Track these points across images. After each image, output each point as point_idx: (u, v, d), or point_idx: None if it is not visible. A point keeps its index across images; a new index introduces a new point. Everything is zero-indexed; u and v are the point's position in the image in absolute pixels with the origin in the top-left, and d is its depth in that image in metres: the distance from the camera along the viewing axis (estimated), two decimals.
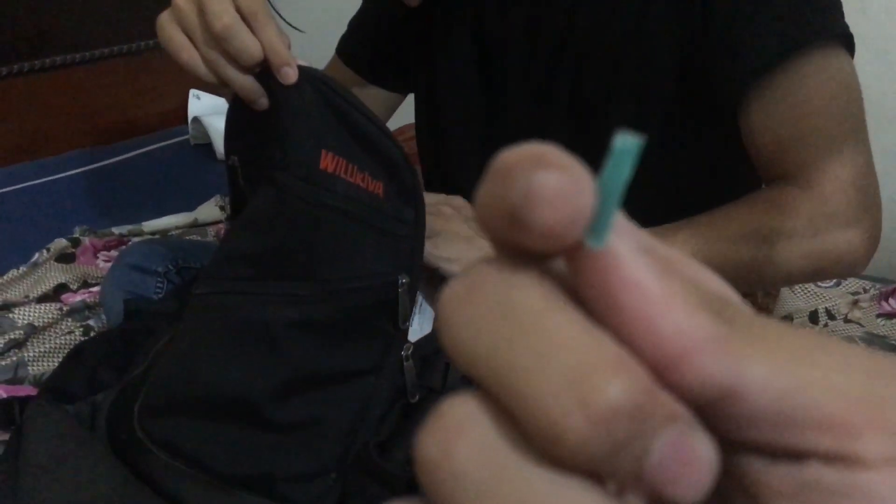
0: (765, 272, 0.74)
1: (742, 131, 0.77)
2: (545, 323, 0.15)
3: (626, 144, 0.15)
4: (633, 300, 0.15)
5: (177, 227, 1.43)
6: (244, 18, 0.64)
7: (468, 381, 0.57)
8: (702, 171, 0.85)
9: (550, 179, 0.14)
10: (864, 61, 1.38)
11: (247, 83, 0.66)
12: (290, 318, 0.67)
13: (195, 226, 1.45)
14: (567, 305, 0.15)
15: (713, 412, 0.15)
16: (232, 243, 0.72)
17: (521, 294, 0.15)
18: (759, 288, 0.98)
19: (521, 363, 0.14)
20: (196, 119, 1.83)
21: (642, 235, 0.16)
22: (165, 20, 0.67)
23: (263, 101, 0.68)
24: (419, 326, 0.78)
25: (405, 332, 0.71)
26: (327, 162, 0.67)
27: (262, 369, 0.67)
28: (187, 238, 1.37)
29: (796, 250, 0.73)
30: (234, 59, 0.65)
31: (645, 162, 0.64)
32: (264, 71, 0.67)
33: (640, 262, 0.15)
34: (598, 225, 0.15)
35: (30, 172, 1.59)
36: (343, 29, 1.04)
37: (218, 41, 0.64)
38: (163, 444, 0.69)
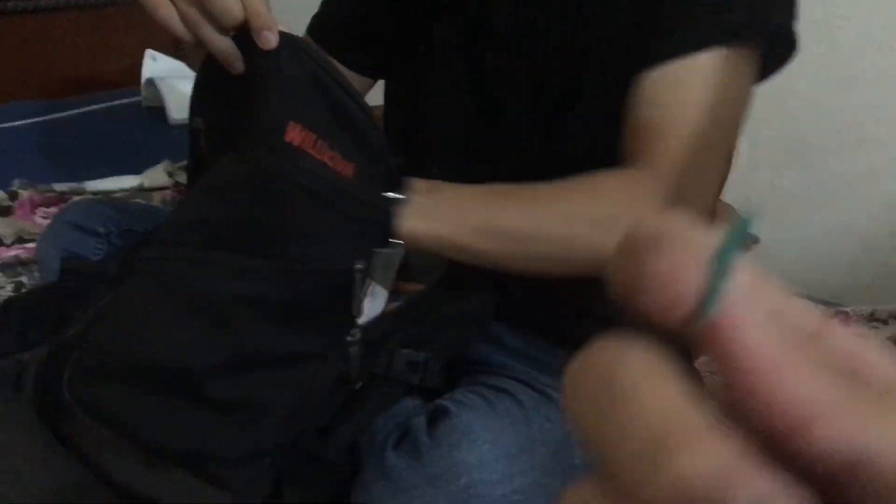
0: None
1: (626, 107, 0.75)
2: (638, 392, 0.15)
3: (745, 222, 0.16)
4: (752, 366, 0.15)
5: (122, 190, 1.39)
6: None
7: (412, 370, 0.55)
8: None
9: (660, 264, 0.15)
10: (831, 89, 1.42)
11: (224, 44, 0.64)
12: (241, 293, 0.65)
13: (141, 190, 1.41)
14: (667, 375, 0.15)
15: (840, 481, 0.14)
16: (188, 209, 0.69)
17: (623, 365, 0.16)
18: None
19: (613, 431, 0.15)
20: (150, 81, 1.78)
21: (771, 293, 0.16)
22: None
23: (239, 65, 0.65)
24: (368, 310, 0.75)
25: (355, 319, 0.69)
26: (294, 135, 0.65)
27: (205, 342, 0.65)
28: (133, 201, 1.32)
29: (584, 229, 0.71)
30: (213, 19, 0.62)
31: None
32: (242, 33, 0.64)
33: (760, 326, 0.15)
34: (711, 295, 0.15)
35: None
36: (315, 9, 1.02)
37: (199, 0, 0.61)
38: (92, 409, 0.65)
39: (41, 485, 0.66)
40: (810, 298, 1.27)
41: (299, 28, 1.00)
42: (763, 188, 1.53)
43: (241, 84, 0.66)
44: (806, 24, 1.40)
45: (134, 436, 0.65)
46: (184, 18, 0.63)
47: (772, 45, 0.74)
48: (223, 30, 0.63)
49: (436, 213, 0.66)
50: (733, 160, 0.95)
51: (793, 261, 1.52)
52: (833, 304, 1.28)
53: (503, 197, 0.70)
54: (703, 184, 0.75)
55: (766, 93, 1.45)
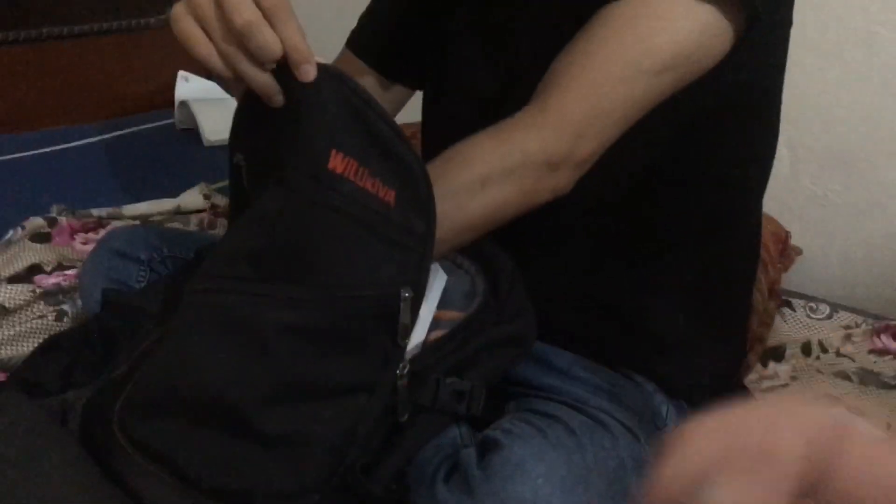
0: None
1: None
2: None
3: None
4: None
5: (159, 214, 1.39)
6: (264, 13, 0.61)
7: (459, 399, 0.54)
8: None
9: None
10: (872, 97, 1.39)
11: (264, 80, 0.63)
12: (285, 322, 0.64)
13: (178, 213, 1.41)
14: None
15: None
16: (233, 241, 0.68)
17: None
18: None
19: None
20: (183, 103, 1.79)
21: None
22: (180, 12, 0.63)
23: (279, 98, 0.64)
24: (411, 338, 0.74)
25: (403, 349, 0.68)
26: (336, 162, 0.64)
27: (251, 374, 0.64)
28: (172, 226, 1.33)
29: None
30: (252, 55, 0.61)
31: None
32: (280, 66, 0.63)
33: None
34: None
35: (8, 146, 1.54)
36: (344, 23, 1.02)
37: (237, 37, 0.61)
38: (141, 446, 0.65)
39: None
40: (855, 311, 1.24)
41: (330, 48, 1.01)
42: (806, 198, 1.50)
43: (280, 116, 0.65)
44: (846, 31, 1.39)
45: (182, 472, 0.64)
46: (223, 55, 0.62)
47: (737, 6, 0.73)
48: (262, 65, 0.63)
49: None
50: (772, 168, 0.93)
51: (838, 272, 1.49)
52: (880, 316, 1.25)
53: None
54: (599, 125, 0.74)
55: (808, 102, 1.45)
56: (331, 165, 0.64)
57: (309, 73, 0.62)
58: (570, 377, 0.83)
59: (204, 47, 0.62)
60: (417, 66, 0.97)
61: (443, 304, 0.77)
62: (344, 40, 1.02)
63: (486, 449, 0.67)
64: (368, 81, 0.98)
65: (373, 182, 0.65)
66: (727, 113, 0.80)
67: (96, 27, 1.78)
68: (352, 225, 0.64)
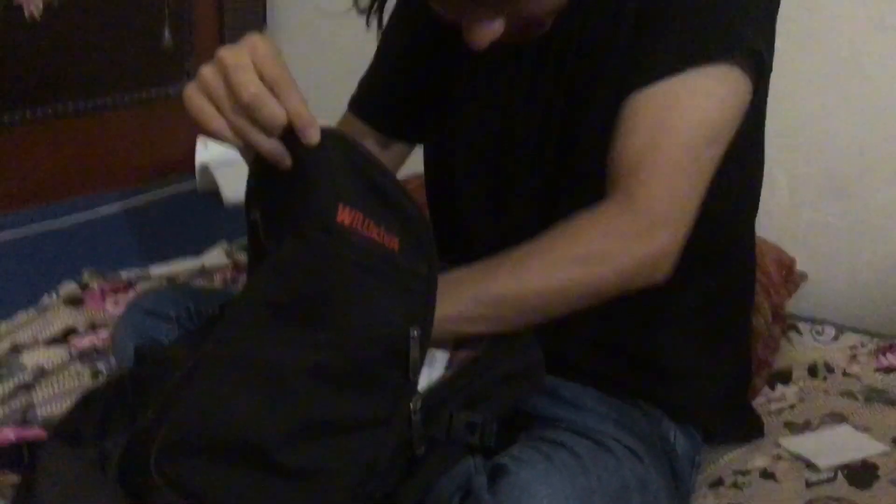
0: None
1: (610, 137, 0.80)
2: None
3: None
4: None
5: (184, 272, 1.45)
6: (268, 85, 0.67)
7: (471, 431, 0.59)
8: None
9: None
10: (866, 123, 1.44)
11: (272, 146, 0.69)
12: (304, 364, 0.69)
13: (202, 271, 1.47)
14: None
15: None
16: (254, 290, 0.74)
17: None
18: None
19: None
20: (204, 166, 1.86)
21: None
22: (192, 91, 0.69)
23: (287, 162, 0.70)
24: (427, 376, 0.79)
25: (414, 384, 0.73)
26: (344, 216, 0.70)
27: (274, 413, 0.68)
28: (196, 283, 1.38)
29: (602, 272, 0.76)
30: (260, 126, 0.68)
31: None
32: (286, 132, 0.70)
33: None
34: None
35: (39, 217, 1.61)
36: (340, 82, 1.08)
37: (245, 110, 0.67)
38: (176, 484, 0.69)
39: None
40: (861, 332, 1.27)
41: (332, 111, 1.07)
42: (807, 224, 1.53)
43: (290, 176, 0.71)
44: (838, 62, 1.44)
45: None
46: (233, 129, 0.68)
47: (750, 61, 0.79)
48: (270, 133, 0.69)
49: (441, 297, 0.72)
50: (770, 197, 0.97)
51: (843, 295, 1.51)
52: (885, 335, 1.28)
53: (493, 265, 0.77)
54: (684, 209, 0.79)
55: (805, 131, 1.49)
56: (339, 218, 0.70)
57: (313, 137, 0.68)
58: (577, 407, 0.87)
59: (216, 122, 0.68)
60: (417, 125, 1.03)
61: (457, 345, 0.82)
62: (345, 104, 1.08)
63: (496, 475, 0.71)
64: (369, 140, 1.04)
65: (378, 231, 0.71)
66: (727, 154, 0.83)
67: (118, 99, 1.87)
68: (362, 272, 0.70)
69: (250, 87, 0.66)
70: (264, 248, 0.78)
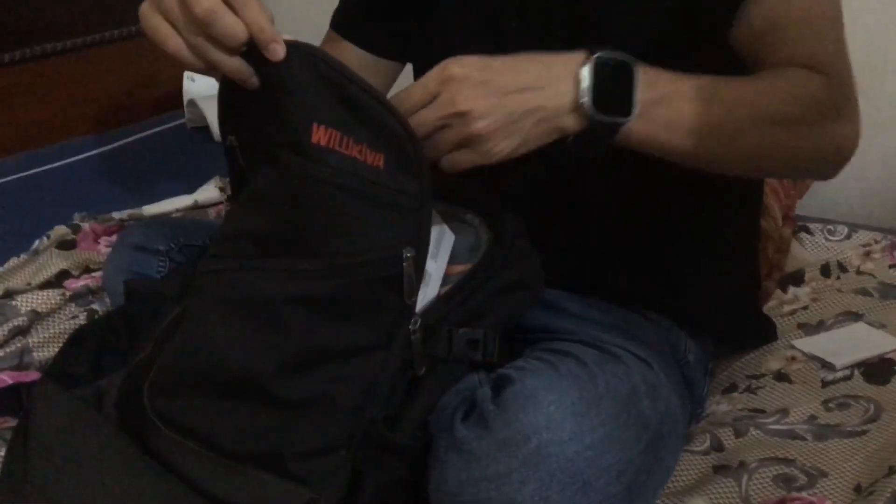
0: (787, 152, 0.76)
1: (736, 38, 0.78)
2: None
3: None
4: None
5: (177, 210, 1.43)
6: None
7: (473, 348, 0.56)
8: None
9: None
10: (874, 10, 1.38)
11: (234, 64, 0.65)
12: (293, 294, 0.66)
13: (196, 208, 1.44)
14: None
15: None
16: (234, 222, 0.71)
17: None
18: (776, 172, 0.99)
19: None
20: (192, 102, 1.81)
21: None
22: (147, 10, 0.66)
23: (254, 81, 0.66)
24: (423, 295, 0.76)
25: (412, 306, 0.70)
26: (319, 135, 0.66)
27: (266, 345, 0.66)
28: (189, 218, 1.36)
29: (812, 134, 0.75)
30: (219, 43, 0.63)
31: None
32: (251, 49, 0.65)
33: None
34: None
35: (27, 162, 1.58)
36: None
37: (201, 26, 0.63)
38: (172, 422, 0.68)
39: (135, 497, 0.69)
40: (874, 228, 1.24)
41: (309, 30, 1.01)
42: None
43: (260, 96, 0.67)
44: None
45: (211, 443, 0.67)
46: (191, 48, 0.64)
47: None
48: (231, 51, 0.65)
49: (652, 117, 0.70)
50: None
51: (854, 193, 1.48)
52: (894, 231, 1.25)
53: (709, 98, 0.72)
54: (849, 68, 0.79)
55: None
56: (314, 139, 0.66)
57: (277, 52, 0.64)
58: (583, 319, 0.84)
59: (172, 41, 0.65)
60: (403, 41, 0.98)
61: (450, 259, 0.78)
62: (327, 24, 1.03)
63: (500, 386, 0.69)
64: (354, 61, 0.99)
65: (359, 148, 0.67)
66: (736, 60, 0.81)
67: (98, 38, 1.81)
68: (344, 194, 0.66)
69: (204, 1, 0.62)
70: (244, 172, 0.75)
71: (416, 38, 0.96)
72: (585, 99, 0.68)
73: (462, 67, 0.68)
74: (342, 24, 1.01)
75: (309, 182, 0.66)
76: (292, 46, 0.66)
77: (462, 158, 0.70)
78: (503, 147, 0.69)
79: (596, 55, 0.69)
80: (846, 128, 0.76)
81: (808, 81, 0.75)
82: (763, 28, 0.77)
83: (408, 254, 0.67)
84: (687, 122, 0.71)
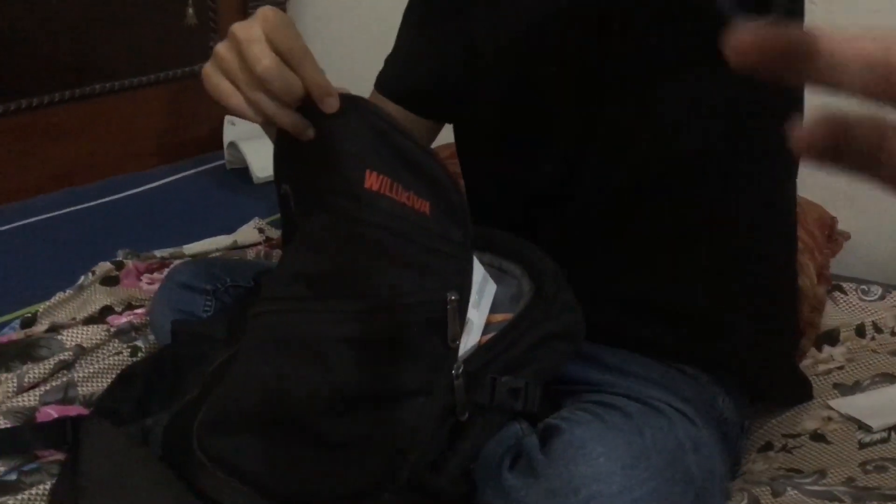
0: None
1: None
2: None
3: None
4: None
5: (217, 250, 1.45)
6: (282, 56, 0.66)
7: (515, 396, 0.57)
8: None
9: None
10: None
11: (292, 118, 0.68)
12: (341, 335, 0.68)
13: (235, 248, 1.46)
14: None
15: None
16: (287, 265, 0.73)
17: None
18: None
19: None
20: (232, 144, 1.85)
21: None
22: (210, 70, 0.69)
23: (309, 132, 0.70)
24: (465, 342, 0.78)
25: (455, 351, 0.71)
26: (372, 181, 0.69)
27: (313, 385, 0.68)
28: (232, 257, 1.38)
29: None
30: (277, 98, 0.66)
31: None
32: (306, 102, 0.68)
33: None
34: None
35: (72, 198, 1.62)
36: (365, 53, 1.06)
37: (260, 83, 0.66)
38: (220, 461, 0.70)
39: None
40: None
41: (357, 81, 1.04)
42: (848, 181, 1.48)
43: (315, 146, 0.70)
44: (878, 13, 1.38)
45: (257, 482, 0.68)
46: (251, 104, 0.67)
47: None
48: (288, 105, 0.67)
49: None
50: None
51: (887, 253, 1.48)
52: None
53: None
54: None
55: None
56: (367, 185, 0.69)
57: (332, 105, 0.67)
58: (622, 373, 0.85)
59: (233, 99, 0.68)
60: (444, 102, 1.00)
61: (492, 308, 0.80)
62: (371, 74, 1.06)
63: (548, 436, 0.70)
64: (398, 118, 1.01)
65: (407, 195, 0.70)
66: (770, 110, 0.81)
67: (144, 79, 1.86)
68: (393, 237, 0.68)
69: (263, 59, 0.65)
70: (296, 219, 0.77)
71: (457, 102, 0.98)
72: None
73: None
74: (386, 86, 1.04)
75: (361, 226, 0.68)
76: (346, 99, 0.69)
77: None
78: None
79: None
80: None
81: None
82: None
83: (452, 297, 0.69)
84: None
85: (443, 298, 0.69)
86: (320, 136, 0.70)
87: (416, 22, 1.01)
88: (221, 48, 0.68)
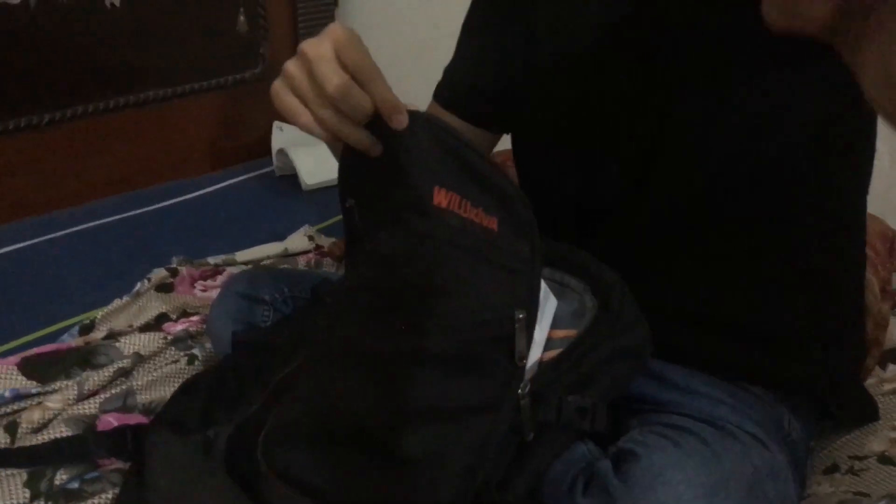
0: None
1: None
2: None
3: None
4: None
5: (268, 257, 1.46)
6: (352, 74, 0.65)
7: (582, 416, 0.56)
8: None
9: None
10: None
11: (361, 136, 0.68)
12: (409, 351, 0.67)
13: (286, 255, 1.47)
14: None
15: None
16: (355, 278, 0.73)
17: None
18: None
19: None
20: (281, 150, 1.86)
21: None
22: (279, 87, 0.69)
23: (377, 149, 0.69)
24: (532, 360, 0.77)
25: (522, 369, 0.71)
26: (441, 198, 0.68)
27: (381, 400, 0.67)
28: (285, 267, 1.39)
29: None
30: (346, 116, 0.66)
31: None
32: (374, 118, 0.68)
33: None
34: None
35: (126, 204, 1.64)
36: (415, 60, 1.05)
37: (331, 102, 0.66)
38: (286, 474, 0.69)
39: None
40: None
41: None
42: None
43: (381, 163, 0.70)
44: None
45: (324, 497, 0.68)
46: (320, 122, 0.67)
47: None
48: (358, 122, 0.67)
49: None
50: (873, 166, 0.92)
51: None
52: None
53: None
54: None
55: None
56: (436, 201, 0.68)
57: (402, 122, 0.67)
58: (689, 392, 0.83)
59: (304, 117, 0.67)
60: (504, 114, 1.00)
61: (553, 324, 0.79)
62: (421, 82, 1.06)
63: (622, 460, 0.68)
64: (459, 129, 1.01)
65: (476, 212, 0.69)
66: (851, 116, 0.79)
67: (196, 86, 1.88)
68: (462, 254, 0.68)
69: (334, 78, 0.64)
70: (360, 232, 0.77)
71: (519, 109, 0.98)
72: None
73: None
74: (443, 96, 1.03)
75: (429, 241, 0.68)
76: (414, 115, 0.69)
77: None
78: None
79: None
80: None
81: None
82: None
83: (519, 315, 0.69)
84: None
85: (510, 315, 0.69)
86: (388, 153, 0.70)
87: (476, 27, 1.00)
88: (291, 65, 0.67)
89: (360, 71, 0.65)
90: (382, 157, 0.70)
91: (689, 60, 0.79)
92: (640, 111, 0.84)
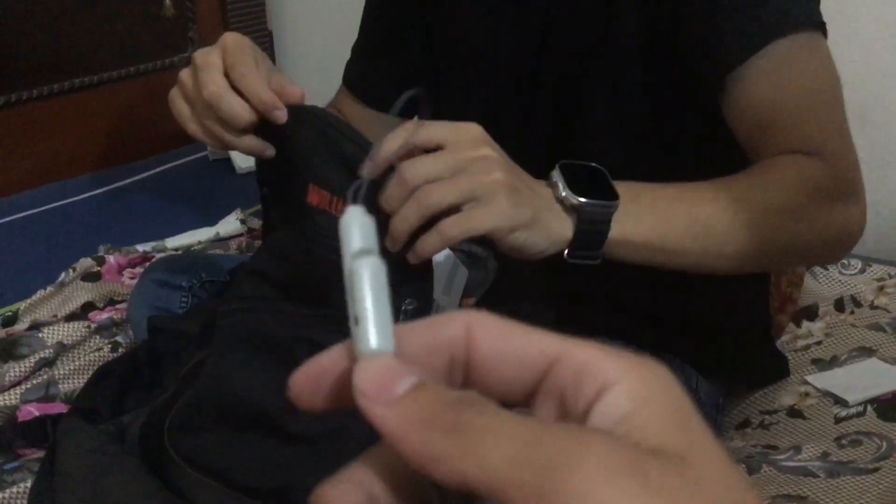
0: (788, 245, 0.73)
1: (728, 117, 0.76)
2: None
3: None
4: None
5: (199, 242, 1.45)
6: (228, 78, 0.66)
7: None
8: (686, 164, 0.84)
9: None
10: (881, 51, 1.39)
11: (245, 143, 0.70)
12: (300, 336, 0.69)
13: (217, 240, 1.46)
14: None
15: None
16: (257, 266, 0.74)
17: None
18: (778, 265, 0.96)
19: None
20: None
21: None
22: (173, 95, 0.70)
23: (269, 152, 0.71)
24: None
25: None
26: (313, 196, 0.69)
27: (278, 382, 0.68)
28: (210, 252, 1.38)
29: (816, 221, 0.72)
30: (227, 124, 0.67)
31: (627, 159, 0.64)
32: (262, 117, 0.69)
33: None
34: None
35: (52, 195, 1.62)
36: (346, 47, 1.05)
37: (210, 109, 0.67)
38: (192, 459, 0.70)
39: None
40: (888, 263, 1.24)
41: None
42: None
43: (279, 159, 0.72)
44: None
45: (229, 479, 0.69)
46: (207, 133, 0.69)
47: (823, 28, 0.76)
48: (240, 131, 0.68)
49: (642, 217, 0.66)
50: None
51: (868, 227, 1.47)
52: None
53: (699, 195, 0.69)
54: (852, 149, 0.75)
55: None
56: (309, 199, 0.69)
57: (280, 118, 0.67)
58: None
59: (191, 126, 0.69)
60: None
61: (464, 294, 0.81)
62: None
63: None
64: (365, 114, 1.01)
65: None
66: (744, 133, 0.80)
67: (122, 72, 1.85)
68: (330, 253, 0.68)
69: (209, 85, 0.66)
70: (274, 221, 0.78)
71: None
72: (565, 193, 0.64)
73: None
74: (349, 78, 1.04)
75: (307, 240, 0.69)
76: (298, 111, 0.69)
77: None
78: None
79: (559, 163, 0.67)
80: (852, 210, 0.74)
81: (808, 168, 0.71)
82: (758, 116, 0.74)
83: (407, 306, 0.69)
84: (679, 221, 0.68)
85: (397, 307, 0.69)
86: (279, 150, 0.71)
87: (376, 6, 1.00)
88: (183, 74, 0.69)
89: (232, 69, 0.66)
90: (278, 154, 0.71)
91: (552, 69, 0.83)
92: (517, 115, 0.87)
